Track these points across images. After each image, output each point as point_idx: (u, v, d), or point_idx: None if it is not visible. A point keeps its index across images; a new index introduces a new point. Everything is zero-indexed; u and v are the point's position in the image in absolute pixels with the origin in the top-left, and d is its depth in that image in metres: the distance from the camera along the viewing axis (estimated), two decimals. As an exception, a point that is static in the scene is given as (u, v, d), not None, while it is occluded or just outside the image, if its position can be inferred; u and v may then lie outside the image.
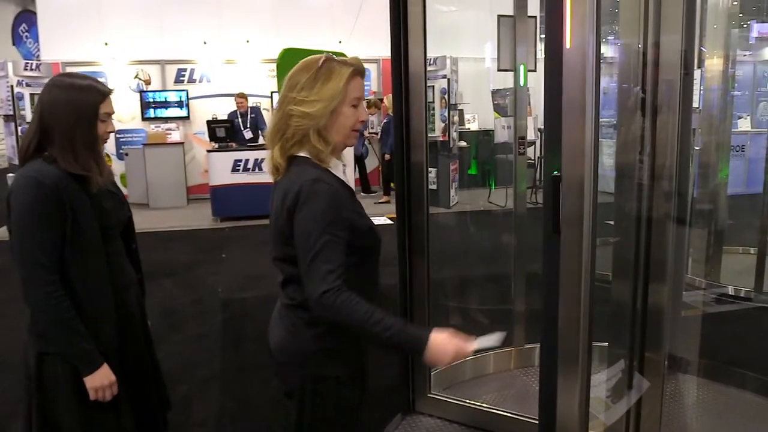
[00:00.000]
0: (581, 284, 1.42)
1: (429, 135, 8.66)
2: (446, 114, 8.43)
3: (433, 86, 8.27)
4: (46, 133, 1.76)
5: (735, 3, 5.03)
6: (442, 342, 1.45)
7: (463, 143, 9.43)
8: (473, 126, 10.37)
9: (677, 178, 2.28)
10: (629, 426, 2.51)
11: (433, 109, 8.30)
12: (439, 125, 8.42)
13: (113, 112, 1.88)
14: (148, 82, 10.00)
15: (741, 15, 5.11)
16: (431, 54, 8.57)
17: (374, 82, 10.64)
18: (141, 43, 9.74)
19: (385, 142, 8.96)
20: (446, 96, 8.40)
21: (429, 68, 8.55)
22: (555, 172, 1.40)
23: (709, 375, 3.34)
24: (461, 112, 9.58)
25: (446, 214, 8.61)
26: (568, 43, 1.37)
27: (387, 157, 8.85)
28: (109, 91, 1.85)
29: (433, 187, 8.33)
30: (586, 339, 1.45)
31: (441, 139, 8.50)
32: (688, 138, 2.73)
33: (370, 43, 8.93)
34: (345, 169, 1.71)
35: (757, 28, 4.78)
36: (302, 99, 1.56)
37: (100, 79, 1.93)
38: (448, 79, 8.36)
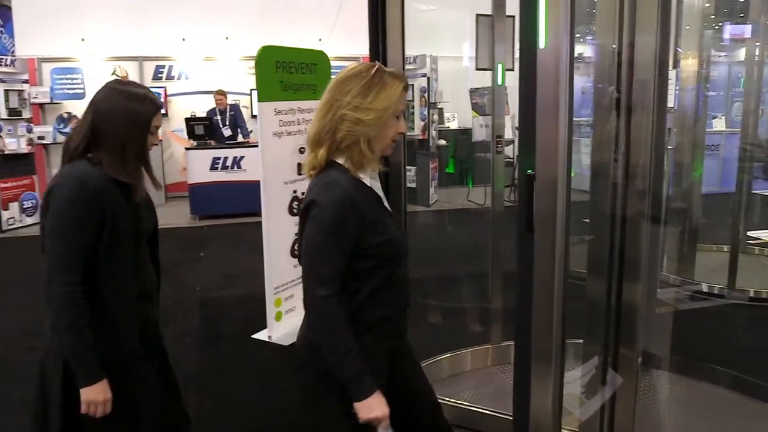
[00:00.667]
0: (554, 282, 1.43)
1: (408, 134, 8.69)
2: (426, 112, 8.46)
3: (413, 85, 8.28)
4: (97, 137, 1.76)
5: (708, 5, 5.11)
6: (376, 404, 1.57)
7: (442, 142, 9.46)
8: (453, 125, 10.42)
9: (651, 177, 2.31)
10: (604, 421, 2.55)
11: (413, 107, 8.32)
12: (418, 124, 8.44)
13: (160, 125, 1.90)
14: (125, 79, 9.89)
15: (714, 16, 5.17)
16: (411, 52, 8.62)
17: (354, 80, 10.63)
18: (118, 39, 9.63)
19: None
20: (426, 94, 8.42)
21: (409, 67, 8.59)
22: (529, 171, 1.41)
23: (682, 371, 3.40)
24: (441, 111, 9.61)
25: (426, 212, 8.64)
26: (542, 44, 1.38)
27: None
28: (161, 104, 1.89)
29: (413, 185, 8.35)
30: (560, 336, 1.47)
31: (420, 137, 8.52)
32: (663, 137, 2.77)
33: (350, 41, 8.91)
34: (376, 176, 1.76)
35: (729, 30, 4.85)
36: (357, 105, 1.59)
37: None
38: (428, 78, 8.39)
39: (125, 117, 1.77)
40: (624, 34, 2.28)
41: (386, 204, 1.74)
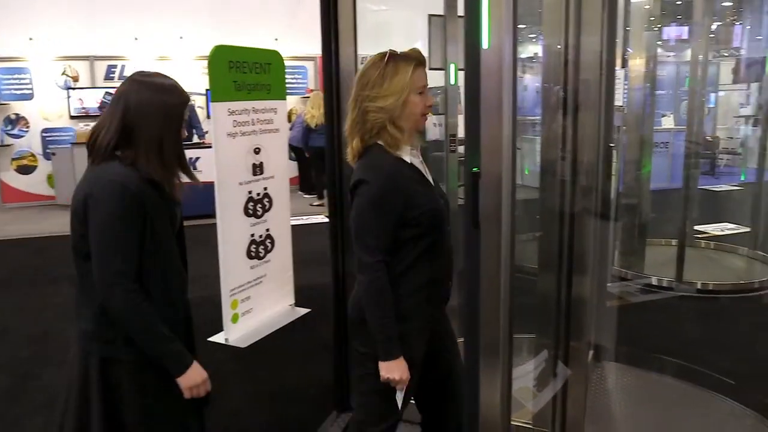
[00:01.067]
0: (501, 278, 1.46)
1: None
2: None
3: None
4: (128, 134, 1.70)
5: (647, 7, 5.26)
6: (398, 368, 1.77)
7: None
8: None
9: (598, 174, 2.37)
10: (556, 413, 2.60)
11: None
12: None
13: (187, 119, 1.85)
14: (76, 79, 9.64)
15: (659, 17, 5.33)
16: (366, 52, 8.59)
17: (311, 80, 10.59)
18: (68, 38, 9.38)
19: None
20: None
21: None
22: (474, 169, 1.44)
23: (632, 362, 3.49)
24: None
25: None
26: (485, 44, 1.40)
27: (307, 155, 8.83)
28: (188, 96, 1.83)
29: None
30: (507, 331, 1.50)
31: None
32: (610, 135, 2.84)
33: (307, 40, 8.86)
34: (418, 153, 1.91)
35: (668, 32, 5.00)
36: (375, 95, 1.77)
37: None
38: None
39: (159, 111, 1.71)
40: (570, 35, 2.33)
41: (428, 177, 1.88)
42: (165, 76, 1.80)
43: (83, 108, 9.54)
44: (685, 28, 5.35)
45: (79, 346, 1.79)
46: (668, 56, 10.69)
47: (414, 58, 1.80)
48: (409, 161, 1.82)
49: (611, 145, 2.30)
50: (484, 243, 1.45)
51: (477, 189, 1.44)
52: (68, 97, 9.46)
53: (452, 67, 3.42)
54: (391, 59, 1.78)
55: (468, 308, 1.50)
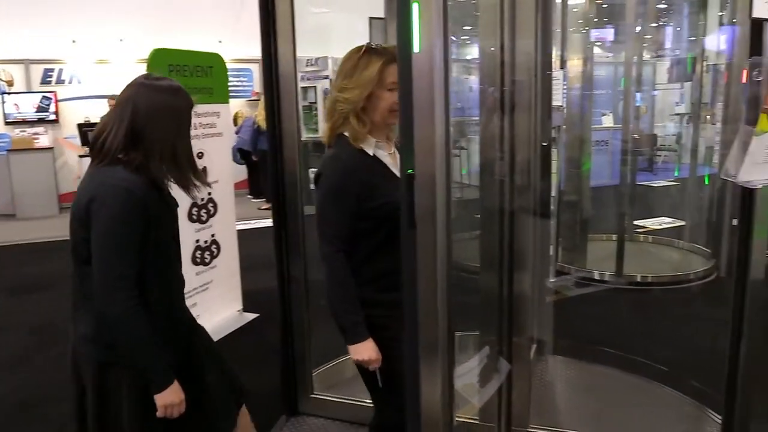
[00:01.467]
0: (437, 276, 1.48)
1: (313, 135, 8.61)
2: (330, 114, 8.45)
3: (315, 87, 8.27)
4: (136, 138, 1.69)
5: (575, 10, 5.42)
6: (367, 349, 1.83)
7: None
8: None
9: (535, 173, 2.44)
10: (501, 407, 2.66)
11: (316, 109, 8.30)
12: (322, 126, 8.43)
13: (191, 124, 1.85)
14: (10, 83, 9.31)
15: (592, 20, 5.50)
16: (313, 54, 8.56)
17: (256, 82, 10.49)
18: (2, 40, 9.05)
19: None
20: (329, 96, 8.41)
21: (310, 68, 8.54)
22: (409, 171, 1.46)
23: (574, 354, 3.60)
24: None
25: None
26: (416, 47, 1.43)
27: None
28: (192, 99, 1.84)
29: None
30: (446, 329, 1.52)
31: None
32: (547, 134, 2.92)
33: (251, 42, 8.76)
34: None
35: (595, 34, 5.17)
36: (344, 86, 1.82)
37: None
38: (331, 80, 8.39)
39: (169, 115, 1.72)
40: (505, 37, 2.39)
41: (394, 170, 1.89)
42: (170, 80, 1.80)
43: (19, 113, 9.22)
44: (611, 30, 5.52)
45: (74, 350, 1.80)
46: (607, 57, 11.00)
47: (388, 54, 1.82)
48: (372, 154, 1.86)
49: (544, 144, 2.36)
50: (421, 243, 1.47)
51: (412, 190, 1.46)
52: (2, 102, 9.12)
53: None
54: (366, 53, 1.83)
55: (407, 307, 1.52)
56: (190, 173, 1.81)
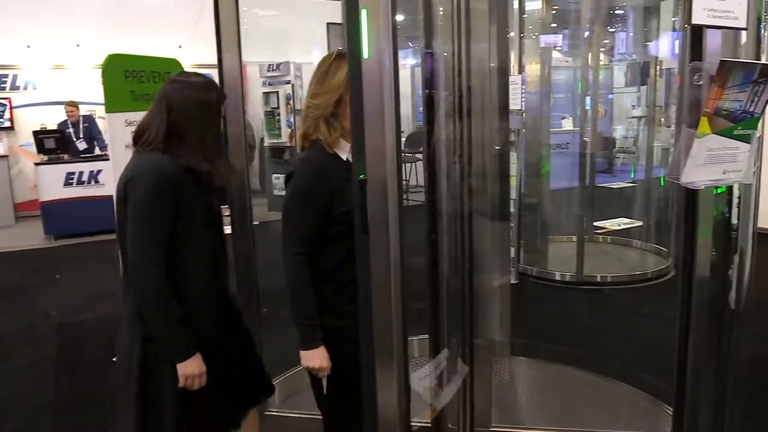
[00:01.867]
0: (391, 281, 1.49)
1: (276, 141, 8.56)
2: (292, 119, 8.44)
3: (278, 92, 8.25)
4: (173, 130, 1.85)
5: (525, 16, 5.51)
6: (318, 356, 1.83)
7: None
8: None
9: (491, 176, 2.47)
10: (465, 410, 2.68)
11: (278, 114, 8.27)
12: (285, 131, 8.40)
13: (223, 115, 2.02)
14: (-38, 90, 9.06)
15: (549, 25, 5.60)
16: (276, 59, 8.53)
17: (219, 88, 10.38)
18: (-48, 46, 8.82)
19: None
20: (291, 102, 8.40)
21: (272, 74, 8.50)
22: (361, 176, 1.47)
23: (535, 354, 3.64)
24: (309, 118, 9.59)
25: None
26: (366, 53, 1.44)
27: None
28: (224, 93, 2.03)
29: (281, 193, 8.28)
30: (400, 333, 1.53)
31: (288, 144, 8.48)
32: (504, 138, 2.96)
33: (211, 48, 8.70)
34: None
35: (544, 39, 5.27)
36: (315, 92, 1.84)
37: None
38: (293, 85, 8.37)
39: (199, 109, 1.88)
40: (461, 43, 2.41)
41: None
42: (201, 75, 1.96)
43: (-28, 120, 8.98)
44: (560, 36, 5.63)
45: (125, 330, 1.92)
46: (566, 61, 11.21)
47: None
48: (345, 159, 1.86)
49: (497, 147, 2.40)
50: (374, 248, 1.48)
51: (365, 195, 1.47)
52: (-47, 109, 8.87)
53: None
54: (336, 59, 1.83)
55: (361, 312, 1.53)
56: (218, 161, 1.94)
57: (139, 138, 1.91)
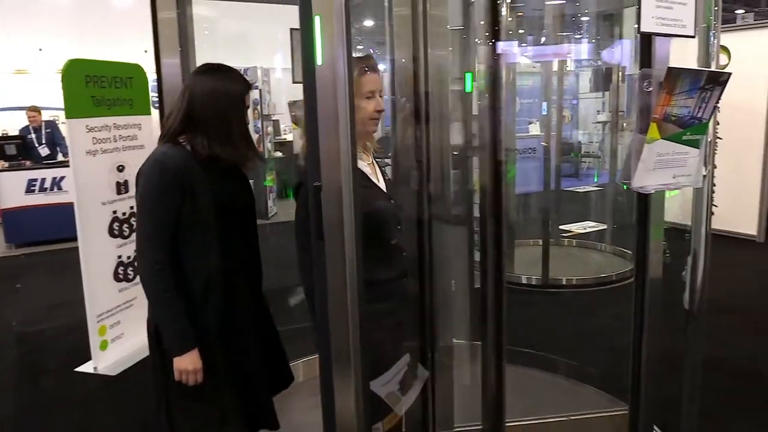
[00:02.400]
0: (347, 287, 1.49)
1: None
2: (260, 125, 8.40)
3: (255, 97, 8.22)
4: (193, 120, 1.86)
5: (493, 21, 5.58)
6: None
7: (279, 154, 9.43)
8: (290, 137, 10.42)
9: (452, 181, 2.48)
10: (428, 414, 2.69)
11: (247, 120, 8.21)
12: (253, 136, 8.35)
13: (249, 106, 1.94)
14: None
15: (521, 31, 5.68)
16: (243, 64, 8.48)
17: (186, 93, 10.28)
18: None
19: None
20: (259, 107, 8.36)
21: (239, 79, 8.38)
22: (316, 183, 1.47)
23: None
24: (276, 123, 9.58)
25: (264, 225, 8.56)
26: (319, 60, 1.44)
27: None
28: (249, 82, 1.99)
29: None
30: (357, 339, 1.53)
31: (256, 150, 8.44)
32: (467, 143, 2.99)
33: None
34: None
35: (501, 46, 5.35)
36: None
37: None
38: (260, 90, 8.33)
39: (223, 97, 1.87)
40: (419, 49, 2.43)
41: (376, 178, 1.97)
42: (226, 66, 1.95)
43: (-71, 126, 8.75)
44: (514, 43, 5.72)
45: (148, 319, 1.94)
46: (534, 67, 11.34)
47: (363, 64, 1.85)
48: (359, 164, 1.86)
49: (455, 153, 2.42)
50: (329, 254, 1.48)
51: (320, 202, 1.47)
52: None
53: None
54: None
55: (318, 319, 1.52)
56: (246, 150, 1.93)
57: (162, 129, 1.96)
